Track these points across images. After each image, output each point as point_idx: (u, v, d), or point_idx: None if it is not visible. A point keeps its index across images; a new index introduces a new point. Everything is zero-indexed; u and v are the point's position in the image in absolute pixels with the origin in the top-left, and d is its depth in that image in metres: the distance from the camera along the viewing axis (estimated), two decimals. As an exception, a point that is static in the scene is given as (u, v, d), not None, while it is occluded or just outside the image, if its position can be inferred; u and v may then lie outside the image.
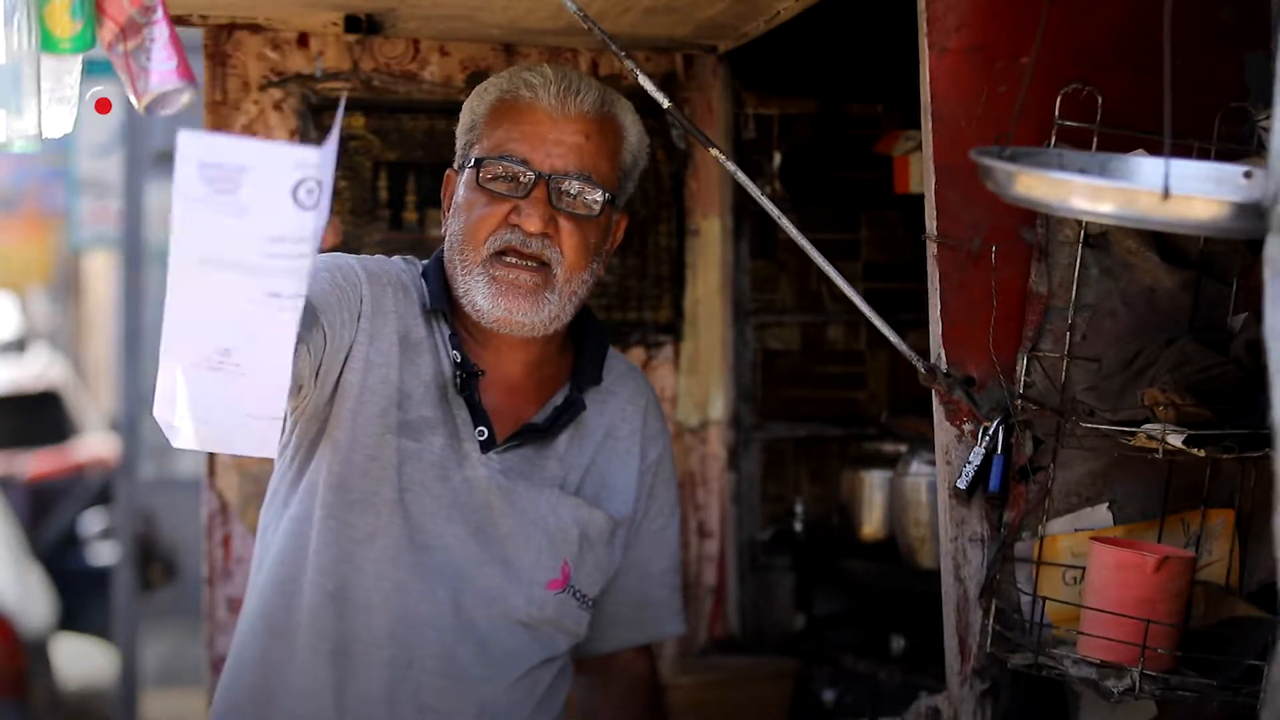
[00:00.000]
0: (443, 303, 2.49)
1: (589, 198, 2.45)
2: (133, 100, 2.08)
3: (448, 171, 2.58)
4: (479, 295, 2.44)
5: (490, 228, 2.44)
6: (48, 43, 2.01)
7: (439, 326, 2.50)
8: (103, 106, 2.30)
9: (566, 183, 2.44)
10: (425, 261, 2.56)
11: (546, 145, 2.44)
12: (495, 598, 2.47)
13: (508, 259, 2.43)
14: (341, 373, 2.42)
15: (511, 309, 2.43)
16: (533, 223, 2.41)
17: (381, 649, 2.44)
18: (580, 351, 2.59)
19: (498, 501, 2.48)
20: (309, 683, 2.45)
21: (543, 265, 2.43)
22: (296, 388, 2.33)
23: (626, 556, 2.63)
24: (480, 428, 2.48)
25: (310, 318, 2.28)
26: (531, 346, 2.51)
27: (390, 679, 2.44)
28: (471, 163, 2.48)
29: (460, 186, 2.50)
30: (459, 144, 2.55)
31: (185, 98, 2.07)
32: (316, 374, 2.36)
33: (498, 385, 2.52)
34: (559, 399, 2.55)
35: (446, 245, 2.52)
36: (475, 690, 2.46)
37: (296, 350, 2.12)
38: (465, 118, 2.55)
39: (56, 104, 2.08)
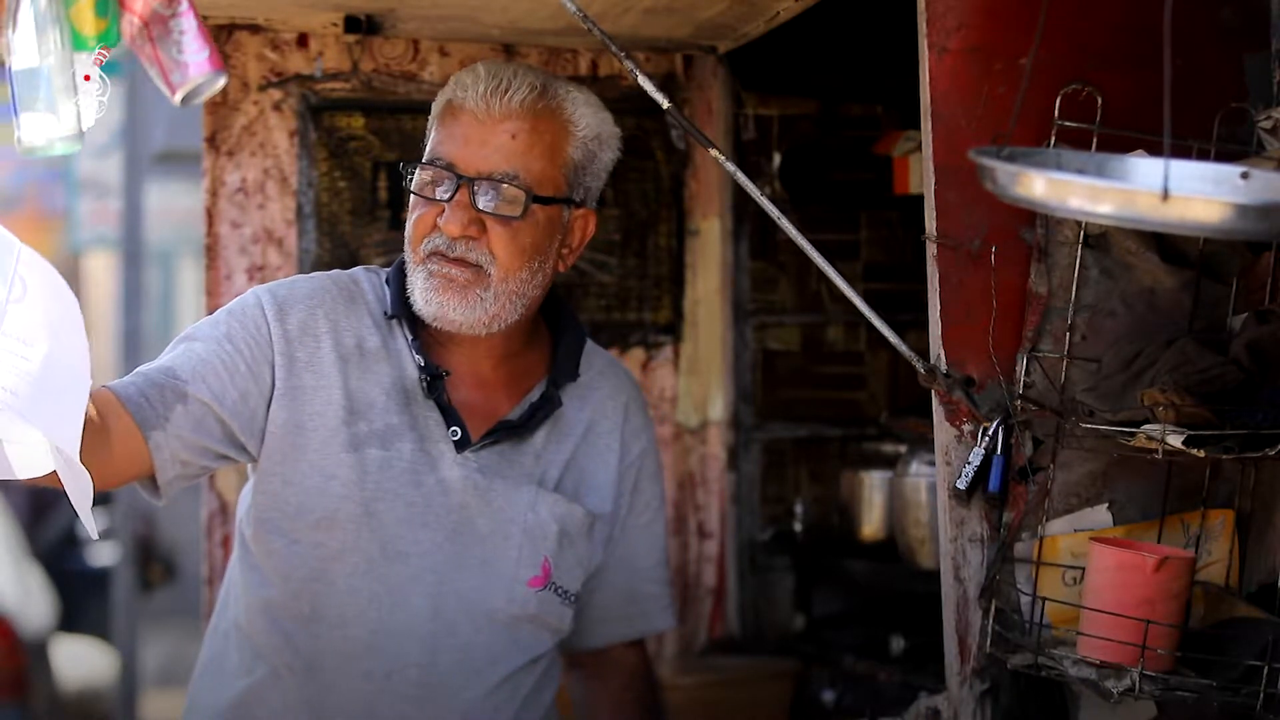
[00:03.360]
0: (401, 308, 2.48)
1: (511, 199, 2.41)
2: (166, 93, 2.07)
3: None
4: (418, 292, 2.44)
5: (423, 231, 2.44)
6: (76, 42, 2.01)
7: (401, 332, 2.50)
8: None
9: (489, 185, 2.41)
10: (388, 270, 2.56)
11: (471, 147, 2.42)
12: (476, 599, 2.46)
13: (444, 256, 2.43)
14: (267, 416, 2.42)
15: (444, 304, 2.42)
16: (451, 227, 2.40)
17: (359, 661, 2.43)
18: (557, 347, 2.58)
19: (474, 501, 2.47)
20: (285, 699, 2.46)
21: (474, 266, 2.42)
22: (178, 463, 2.35)
23: (614, 552, 2.62)
24: (453, 428, 2.47)
25: (168, 398, 2.32)
26: (494, 342, 2.50)
27: (369, 691, 2.43)
28: (409, 166, 2.48)
29: None
30: None
31: (217, 86, 2.08)
32: (232, 436, 2.38)
33: (467, 383, 2.51)
34: (535, 395, 2.54)
35: None
36: (456, 697, 2.45)
37: (151, 438, 2.29)
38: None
39: (82, 100, 2.08)
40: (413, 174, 2.46)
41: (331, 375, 2.44)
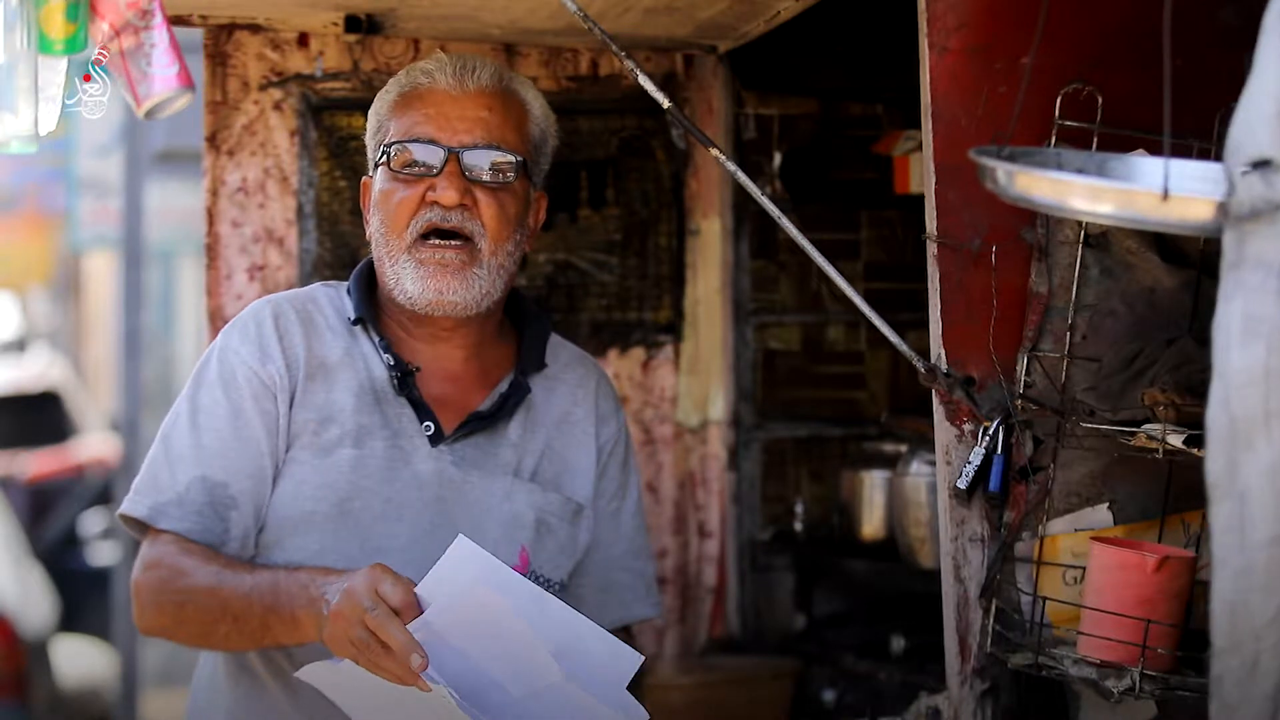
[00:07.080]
0: (366, 311, 2.53)
1: (502, 165, 2.48)
2: (131, 104, 2.08)
3: (364, 180, 2.60)
4: (408, 281, 2.47)
5: (410, 210, 2.47)
6: (42, 44, 2.02)
7: (367, 336, 2.53)
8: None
9: (477, 154, 2.47)
10: (347, 283, 2.59)
11: (451, 121, 2.47)
12: None
13: (432, 240, 2.47)
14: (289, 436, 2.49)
15: (442, 289, 2.46)
16: (449, 195, 2.44)
17: None
18: (522, 339, 2.62)
19: (450, 494, 2.49)
20: (278, 703, 2.46)
21: (467, 241, 2.46)
22: (250, 539, 2.47)
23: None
24: (426, 423, 2.50)
25: (220, 511, 2.43)
26: (468, 332, 2.54)
27: None
28: (381, 154, 2.51)
29: (375, 183, 2.53)
30: (369, 149, 2.58)
31: (181, 102, 2.08)
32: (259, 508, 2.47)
33: (439, 377, 2.54)
34: (504, 386, 2.58)
35: (373, 245, 2.55)
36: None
37: (226, 548, 2.43)
38: (371, 121, 2.58)
39: (42, 103, 2.08)
40: (386, 161, 2.48)
41: (299, 399, 2.48)
